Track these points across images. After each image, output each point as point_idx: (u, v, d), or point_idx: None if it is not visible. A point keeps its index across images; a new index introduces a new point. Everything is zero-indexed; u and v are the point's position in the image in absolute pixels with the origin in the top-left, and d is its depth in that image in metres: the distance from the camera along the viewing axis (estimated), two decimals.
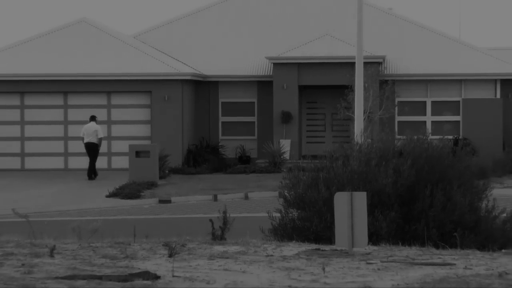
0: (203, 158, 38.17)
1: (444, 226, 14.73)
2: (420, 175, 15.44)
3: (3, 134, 38.36)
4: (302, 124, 40.70)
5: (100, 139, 35.83)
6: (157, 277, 9.85)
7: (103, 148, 38.00)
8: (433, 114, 40.50)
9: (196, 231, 15.03)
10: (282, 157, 37.38)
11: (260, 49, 40.98)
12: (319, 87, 39.98)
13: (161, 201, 29.24)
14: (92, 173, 35.14)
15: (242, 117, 41.04)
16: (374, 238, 13.78)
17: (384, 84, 38.01)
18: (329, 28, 41.64)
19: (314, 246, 13.10)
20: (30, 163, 38.39)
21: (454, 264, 11.12)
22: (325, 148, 26.85)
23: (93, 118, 36.19)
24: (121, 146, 36.66)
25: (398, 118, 39.82)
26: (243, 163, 38.35)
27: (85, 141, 35.51)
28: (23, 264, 10.75)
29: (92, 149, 35.50)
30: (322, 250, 12.47)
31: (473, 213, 15.41)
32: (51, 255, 11.47)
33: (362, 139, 20.18)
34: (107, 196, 30.39)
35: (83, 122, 37.65)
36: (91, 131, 35.68)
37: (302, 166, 18.32)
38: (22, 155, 38.60)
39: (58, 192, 32.13)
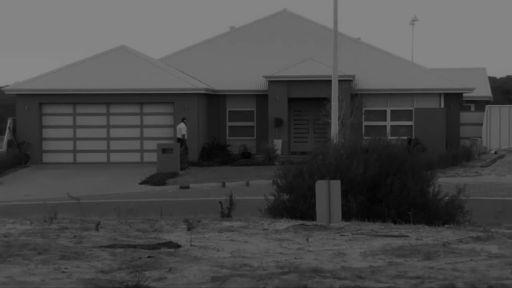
0: (214, 154, 38.15)
1: (400, 206, 14.74)
2: (382, 167, 15.46)
3: (59, 135, 38.37)
4: (290, 127, 40.67)
5: (183, 135, 37.02)
6: (178, 246, 9.89)
7: (136, 145, 38.14)
8: (391, 120, 40.48)
9: (208, 210, 15.04)
10: (275, 153, 37.40)
11: (258, 69, 40.99)
12: (304, 99, 39.90)
13: (181, 187, 29.29)
14: (183, 158, 35.76)
15: (244, 122, 41.00)
16: (347, 216, 13.78)
17: (354, 97, 38.00)
18: (311, 53, 41.66)
19: (300, 222, 13.11)
20: (81, 158, 38.37)
21: (408, 236, 11.14)
22: (309, 146, 27.09)
23: (182, 120, 37.56)
24: (151, 144, 36.71)
25: (365, 123, 39.79)
26: (245, 158, 38.30)
27: (177, 136, 37.03)
28: (75, 236, 10.78)
29: (180, 142, 36.45)
30: (306, 225, 12.48)
31: (423, 196, 15.43)
32: (97, 229, 11.50)
33: (337, 139, 20.23)
34: (140, 183, 30.44)
35: (122, 126, 38.07)
36: (178, 130, 37.17)
37: (291, 160, 18.34)
38: (74, 151, 38.56)
39: (102, 180, 32.16)
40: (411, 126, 39.97)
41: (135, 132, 38.41)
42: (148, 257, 8.93)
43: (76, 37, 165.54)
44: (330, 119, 30.03)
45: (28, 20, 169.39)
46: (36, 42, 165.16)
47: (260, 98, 40.41)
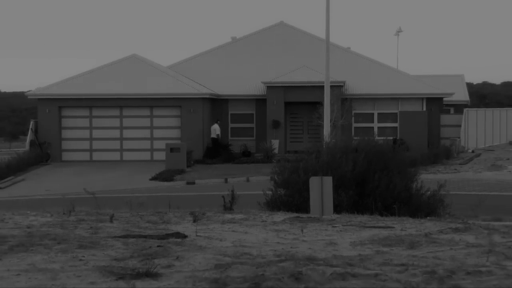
0: (217, 153, 38.14)
1: (386, 200, 14.75)
2: (370, 164, 15.47)
3: (76, 136, 38.38)
4: (287, 129, 40.66)
5: (217, 135, 38.01)
6: (185, 236, 9.87)
7: (146, 145, 38.14)
8: (378, 122, 40.48)
9: (212, 204, 15.01)
10: (273, 152, 37.39)
11: (258, 76, 41.01)
12: (299, 103, 39.92)
13: (188, 183, 29.31)
14: (214, 155, 36.70)
15: (245, 124, 41.00)
16: (338, 209, 13.79)
17: (345, 101, 38.05)
18: (305, 61, 41.66)
19: (295, 214, 13.10)
20: (96, 156, 38.37)
21: (393, 227, 11.13)
22: (303, 146, 27.04)
23: (216, 121, 38.55)
24: (160, 144, 36.76)
25: (354, 125, 39.80)
26: (245, 156, 38.31)
27: (211, 136, 38.00)
28: (91, 227, 10.76)
29: (213, 142, 37.27)
30: (301, 217, 12.47)
31: (407, 191, 15.45)
32: (111, 220, 11.49)
33: (329, 140, 20.24)
34: (150, 179, 30.45)
35: (134, 128, 38.14)
36: (212, 130, 38.07)
37: (287, 158, 18.32)
38: (90, 150, 38.56)
39: (115, 176, 32.17)
40: (396, 127, 39.97)
41: (146, 133, 38.41)
42: (158, 246, 8.92)
43: (92, 45, 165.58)
44: (323, 121, 30.11)
45: (48, 29, 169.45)
46: (54, 50, 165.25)
47: (259, 102, 40.41)
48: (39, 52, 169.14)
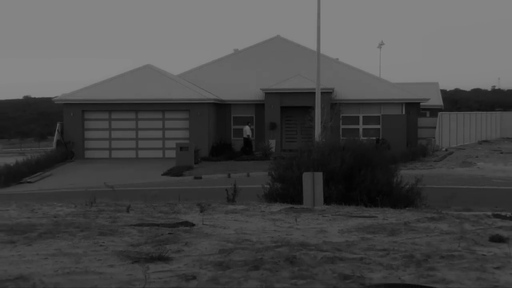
0: (221, 151, 38.10)
1: (370, 193, 14.72)
2: (356, 161, 15.44)
3: (97, 136, 38.32)
4: (282, 130, 40.59)
5: (248, 136, 38.25)
6: (193, 224, 9.87)
7: (159, 144, 38.10)
8: (363, 124, 40.43)
9: (217, 196, 15.02)
10: (270, 150, 37.32)
11: (257, 83, 41.00)
12: (293, 107, 39.88)
13: (195, 178, 29.25)
14: (248, 152, 36.88)
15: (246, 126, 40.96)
16: (327, 200, 13.77)
17: (334, 105, 38.00)
18: (299, 70, 41.66)
19: (290, 205, 13.09)
20: (115, 154, 38.31)
21: (377, 217, 11.14)
22: (297, 145, 27.00)
23: (247, 123, 38.86)
24: (171, 143, 36.73)
25: (342, 127, 39.74)
26: (246, 154, 38.31)
27: (243, 136, 38.32)
28: (110, 217, 10.77)
29: (244, 142, 37.37)
30: (295, 208, 12.45)
31: (389, 185, 15.41)
32: (127, 211, 11.50)
33: (320, 140, 20.22)
34: (162, 175, 30.41)
35: (148, 129, 38.19)
36: (244, 131, 38.31)
37: (283, 156, 18.31)
38: (110, 149, 38.50)
39: (131, 172, 32.13)
40: (379, 128, 39.94)
41: (158, 134, 38.36)
42: (169, 233, 8.92)
43: (111, 54, 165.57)
44: (314, 123, 30.06)
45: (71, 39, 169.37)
46: (76, 58, 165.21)
47: (258, 106, 40.37)
48: (64, 60, 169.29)
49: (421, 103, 41.77)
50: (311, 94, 34.41)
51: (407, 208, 13.37)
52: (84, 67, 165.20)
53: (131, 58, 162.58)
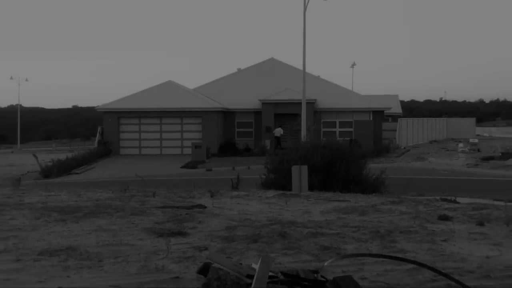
0: (227, 149, 38.01)
1: (345, 182, 14.74)
2: (334, 157, 15.44)
3: (130, 137, 38.23)
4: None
5: (281, 135, 37.91)
6: (205, 207, 9.87)
7: (178, 144, 38.04)
8: (339, 127, 40.36)
9: (224, 185, 15.04)
10: (266, 148, 37.28)
11: (256, 95, 40.89)
12: (284, 114, 39.77)
13: (207, 170, 29.19)
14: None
15: (246, 129, 40.80)
16: (311, 188, 13.78)
17: (316, 112, 37.99)
18: (289, 85, 41.57)
19: (282, 192, 13.08)
20: (143, 151, 38.22)
21: (350, 201, 11.13)
22: (287, 144, 26.99)
23: (280, 125, 38.70)
24: (187, 143, 36.69)
25: (323, 130, 39.60)
26: (247, 151, 38.27)
27: (275, 135, 37.94)
28: (140, 200, 10.75)
29: (276, 139, 37.30)
30: (286, 194, 12.45)
31: (359, 175, 15.43)
32: (153, 196, 11.48)
33: (305, 140, 20.20)
34: (181, 167, 30.33)
35: (172, 132, 38.16)
36: (276, 131, 38.07)
37: (276, 153, 18.30)
38: (139, 147, 38.41)
39: (157, 165, 32.06)
40: (351, 131, 39.89)
41: (177, 135, 38.31)
42: (186, 214, 8.92)
43: (138, 73, 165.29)
44: (301, 127, 30.05)
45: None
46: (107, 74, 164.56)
47: (257, 113, 40.29)
48: (103, 74, 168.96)
49: (384, 111, 41.71)
50: (298, 104, 34.42)
51: (374, 194, 13.38)
52: (117, 80, 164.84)
53: (153, 73, 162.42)
